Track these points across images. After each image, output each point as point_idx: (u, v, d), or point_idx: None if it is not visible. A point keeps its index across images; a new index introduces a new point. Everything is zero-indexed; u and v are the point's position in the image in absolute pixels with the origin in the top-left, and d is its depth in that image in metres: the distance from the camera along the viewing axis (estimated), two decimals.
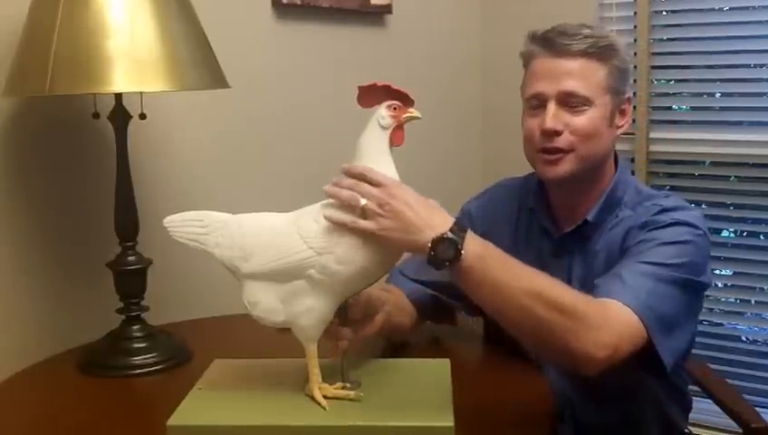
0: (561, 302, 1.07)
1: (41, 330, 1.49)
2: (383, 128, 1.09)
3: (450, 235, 1.05)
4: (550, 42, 1.31)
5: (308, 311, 1.09)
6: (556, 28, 1.32)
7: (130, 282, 1.41)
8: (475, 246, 1.07)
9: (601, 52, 1.30)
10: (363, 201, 1.06)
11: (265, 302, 1.10)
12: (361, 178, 1.08)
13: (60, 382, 1.34)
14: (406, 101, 1.10)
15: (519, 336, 1.12)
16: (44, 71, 1.21)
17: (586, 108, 1.29)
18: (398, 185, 1.08)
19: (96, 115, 1.37)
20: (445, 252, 1.05)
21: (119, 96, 1.37)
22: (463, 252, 1.05)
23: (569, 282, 1.31)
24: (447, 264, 1.06)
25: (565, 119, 1.29)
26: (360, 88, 1.10)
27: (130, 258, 1.40)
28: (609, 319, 1.10)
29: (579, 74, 1.29)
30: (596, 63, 1.30)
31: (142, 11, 1.26)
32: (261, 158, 1.87)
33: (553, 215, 1.41)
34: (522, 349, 1.29)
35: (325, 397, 1.10)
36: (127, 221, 1.40)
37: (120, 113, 1.37)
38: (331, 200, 1.09)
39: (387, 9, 2.15)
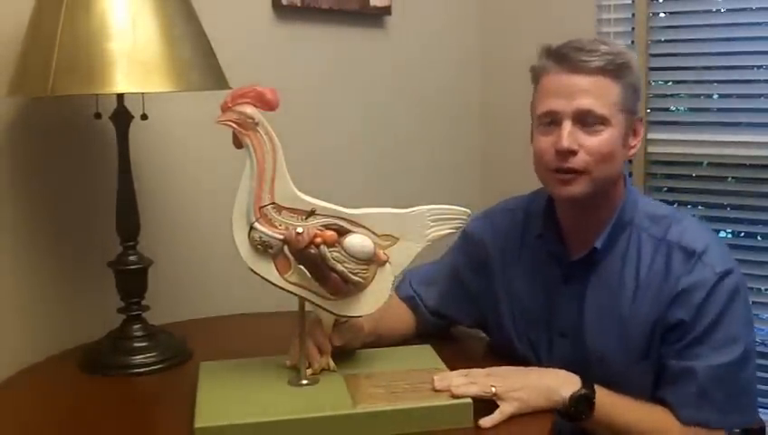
0: None
1: (42, 329, 1.50)
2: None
3: (584, 390, 1.16)
4: (565, 57, 1.24)
5: None
6: (571, 43, 1.26)
7: (131, 281, 1.42)
8: (600, 393, 1.16)
9: (617, 69, 1.24)
10: (492, 388, 1.14)
11: None
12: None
13: (60, 382, 1.35)
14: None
15: None
16: (47, 71, 1.21)
17: (602, 127, 1.23)
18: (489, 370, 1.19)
19: (98, 116, 1.38)
20: (582, 405, 1.15)
21: (120, 97, 1.37)
22: (596, 402, 1.15)
23: (582, 309, 1.32)
24: (584, 417, 1.15)
25: (580, 139, 1.23)
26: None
27: (131, 258, 1.41)
28: None
29: (595, 92, 1.23)
30: (611, 81, 1.23)
31: (144, 12, 1.26)
32: None
33: (563, 240, 1.36)
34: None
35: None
36: (128, 221, 1.41)
37: (121, 114, 1.38)
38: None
39: (386, 11, 2.16)
